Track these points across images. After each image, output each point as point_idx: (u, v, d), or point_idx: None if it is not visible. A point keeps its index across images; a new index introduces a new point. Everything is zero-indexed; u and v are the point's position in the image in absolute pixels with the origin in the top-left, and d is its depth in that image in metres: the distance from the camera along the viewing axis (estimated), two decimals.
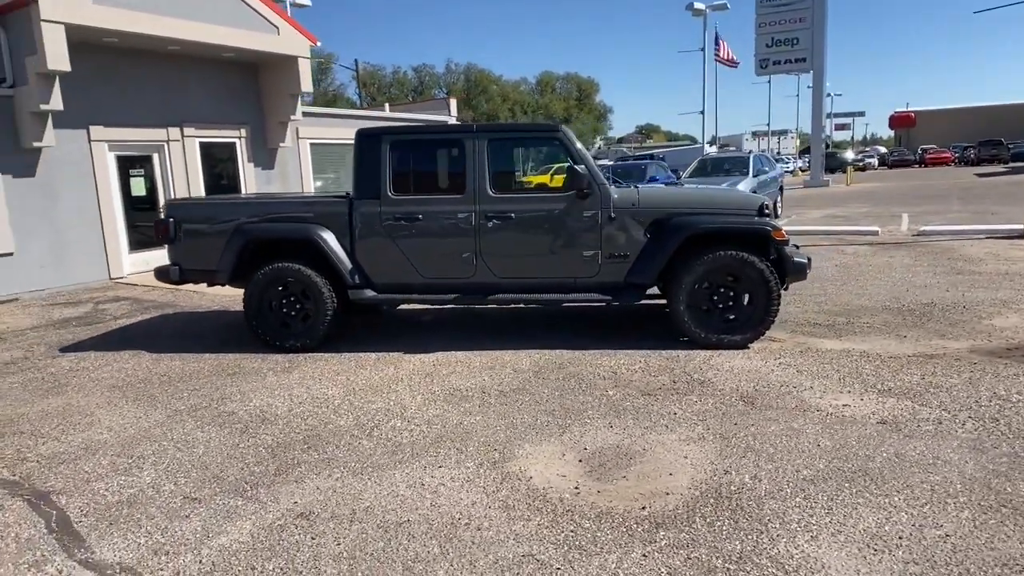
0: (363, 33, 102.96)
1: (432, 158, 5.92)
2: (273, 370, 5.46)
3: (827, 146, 58.43)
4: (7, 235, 9.36)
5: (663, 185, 16.44)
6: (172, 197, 11.14)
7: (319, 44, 12.97)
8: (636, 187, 6.03)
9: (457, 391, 4.75)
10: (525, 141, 6.17)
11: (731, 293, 5.52)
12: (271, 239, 5.93)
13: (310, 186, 13.93)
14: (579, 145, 5.69)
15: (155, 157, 11.30)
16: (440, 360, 5.54)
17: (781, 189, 17.09)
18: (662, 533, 2.83)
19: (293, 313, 5.97)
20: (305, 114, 13.10)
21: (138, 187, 11.13)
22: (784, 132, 74.78)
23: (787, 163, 41.33)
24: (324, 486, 3.39)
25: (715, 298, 5.53)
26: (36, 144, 9.38)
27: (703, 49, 31.08)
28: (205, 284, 6.40)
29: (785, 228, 5.62)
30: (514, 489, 3.28)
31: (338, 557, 2.76)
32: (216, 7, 10.76)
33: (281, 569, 2.70)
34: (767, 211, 5.60)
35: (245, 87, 12.49)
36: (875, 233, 12.21)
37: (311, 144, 13.94)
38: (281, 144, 12.90)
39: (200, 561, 2.78)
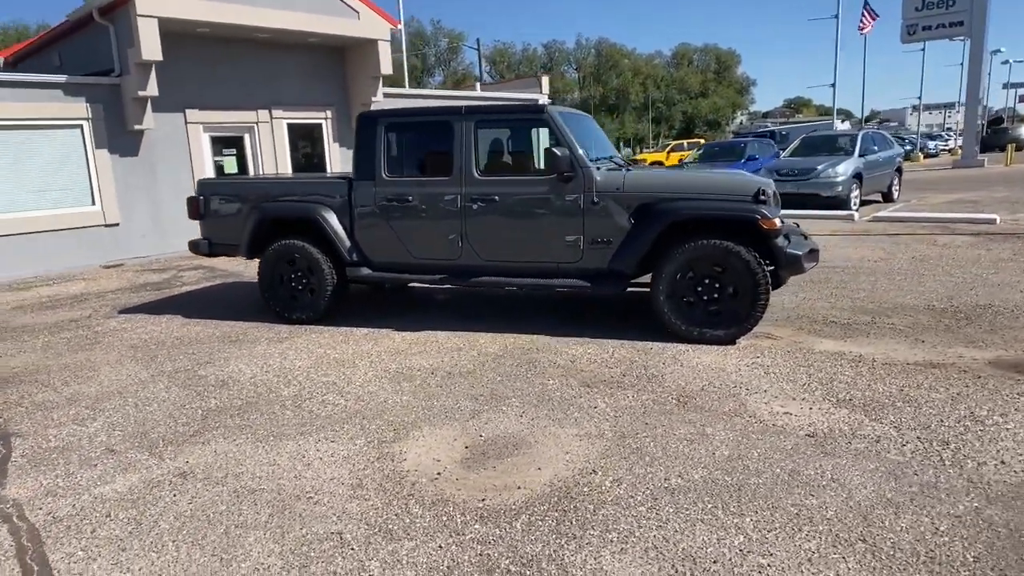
0: (496, 11, 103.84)
1: (424, 140, 6.01)
2: (270, 339, 5.86)
3: (1000, 120, 51.67)
4: (114, 208, 10.62)
5: (759, 166, 15.49)
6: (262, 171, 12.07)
7: (400, 27, 13.41)
8: (628, 169, 5.74)
9: (409, 370, 4.87)
10: (512, 122, 6.07)
11: (716, 285, 5.17)
12: (280, 217, 6.32)
13: None
14: (566, 127, 5.53)
15: (246, 138, 12.27)
16: (419, 339, 5.68)
17: (899, 171, 15.44)
18: (476, 527, 2.80)
19: (300, 287, 6.34)
20: (386, 95, 13.60)
21: (230, 165, 12.16)
22: (950, 105, 66.84)
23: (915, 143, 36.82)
24: (221, 450, 3.66)
25: (699, 289, 5.21)
26: (138, 127, 10.53)
27: (836, 16, 28.43)
28: (232, 257, 6.94)
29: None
30: (379, 469, 3.36)
31: (180, 515, 2.99)
32: None
33: (130, 519, 2.98)
34: (765, 197, 5.16)
35: (330, 70, 13.18)
36: (992, 222, 10.76)
37: None
38: None
39: (73, 505, 3.12)
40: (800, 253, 5.03)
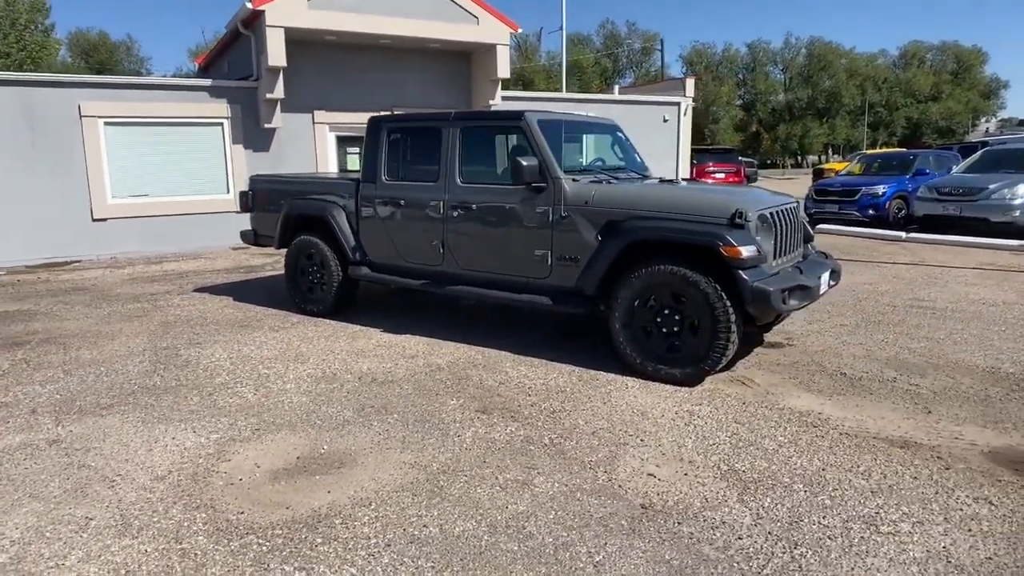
0: (699, 9, 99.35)
1: (418, 146, 5.98)
2: (271, 328, 6.25)
3: None
4: None
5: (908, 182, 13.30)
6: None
7: (520, 31, 13.45)
8: (604, 181, 5.23)
9: (344, 373, 4.92)
10: (493, 129, 5.79)
11: (676, 317, 4.57)
12: (302, 214, 6.70)
13: None
14: (541, 135, 5.20)
15: None
16: (390, 342, 5.71)
17: None
18: (200, 539, 2.77)
19: (315, 281, 6.68)
20: (505, 98, 13.74)
21: (353, 162, 13.08)
22: None
23: None
24: (106, 425, 3.99)
25: (658, 320, 4.64)
26: (268, 125, 11.74)
27: None
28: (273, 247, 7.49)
29: None
30: (198, 466, 3.45)
31: (10, 478, 3.33)
32: (420, 3, 11.95)
33: None
34: (743, 221, 4.44)
35: (452, 74, 13.62)
36: None
37: None
38: None
39: None
40: (770, 288, 4.25)
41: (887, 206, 13.26)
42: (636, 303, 4.68)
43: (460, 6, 12.36)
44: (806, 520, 2.87)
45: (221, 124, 11.68)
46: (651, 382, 4.60)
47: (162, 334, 6.08)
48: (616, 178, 5.44)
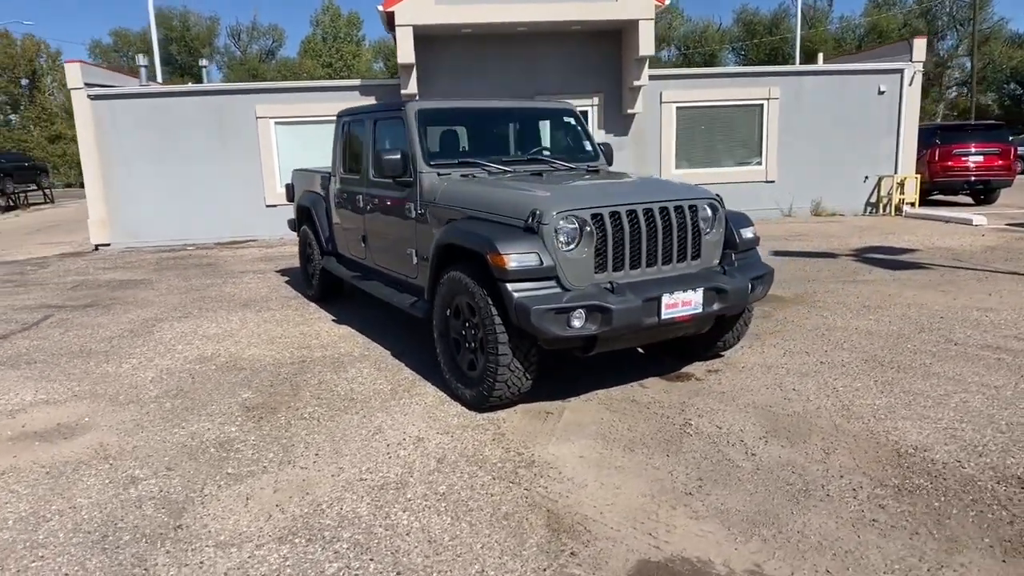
0: None
1: (357, 139, 5.96)
2: (271, 308, 6.88)
3: None
4: None
5: None
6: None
7: (666, 3, 12.24)
8: (468, 177, 4.65)
9: (247, 360, 5.29)
10: (392, 121, 5.37)
11: (473, 331, 4.00)
12: (300, 206, 7.20)
13: (670, 152, 13.50)
14: (414, 128, 4.88)
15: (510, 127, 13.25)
16: (332, 332, 5.87)
17: None
18: None
19: (310, 269, 7.16)
20: (652, 77, 12.70)
21: None
22: None
23: None
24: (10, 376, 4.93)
25: (463, 333, 4.11)
26: None
27: None
28: None
29: None
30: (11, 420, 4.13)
31: None
32: None
33: None
34: (537, 221, 3.69)
35: (596, 55, 13.00)
36: None
37: (677, 108, 13.39)
38: (630, 110, 12.96)
39: None
40: (530, 307, 3.48)
41: None
42: (448, 312, 4.21)
43: None
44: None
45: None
46: (454, 401, 4.13)
47: (190, 308, 7.13)
48: (507, 171, 4.86)
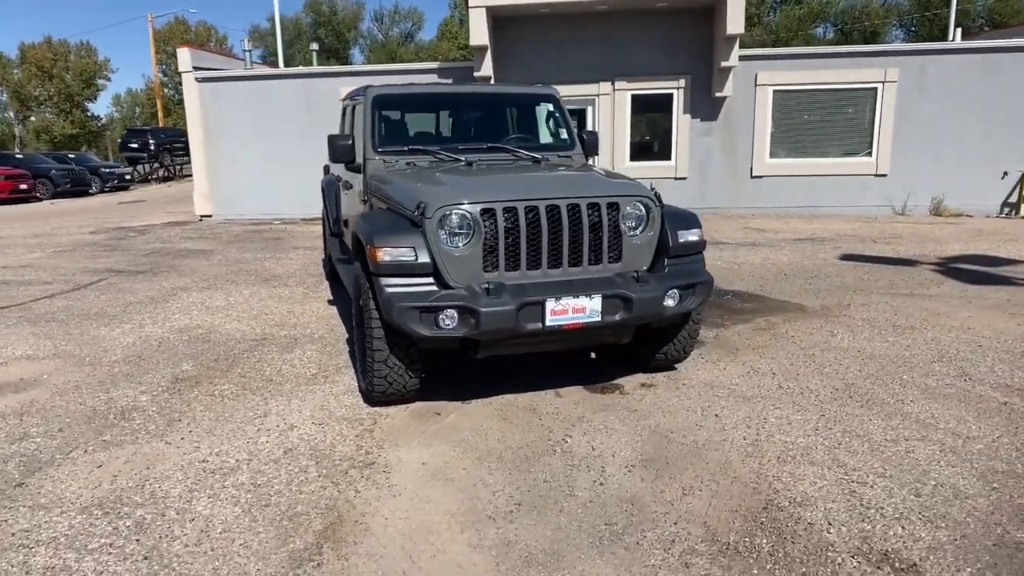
0: None
1: (349, 123, 5.99)
2: (286, 285, 7.23)
3: None
4: None
5: None
6: None
7: None
8: (410, 165, 4.48)
9: (220, 333, 5.59)
10: (357, 104, 5.21)
11: None
12: (321, 188, 7.40)
13: (764, 139, 12.42)
14: (368, 113, 4.83)
15: (588, 110, 12.83)
16: (314, 312, 6.08)
17: None
18: None
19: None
20: (742, 57, 11.70)
21: None
22: None
23: None
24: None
25: None
26: None
27: None
28: None
29: None
30: None
31: None
32: None
33: None
34: (421, 214, 3.52)
35: (682, 34, 12.18)
36: None
37: (774, 91, 12.26)
38: (719, 93, 12.06)
39: None
40: (394, 303, 3.32)
41: None
42: (359, 303, 4.16)
43: None
44: None
45: None
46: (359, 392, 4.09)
47: (214, 276, 7.63)
48: (460, 160, 4.68)
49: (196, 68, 12.90)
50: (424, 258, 3.49)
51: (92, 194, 23.45)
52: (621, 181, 4.09)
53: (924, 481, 2.94)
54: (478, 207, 3.55)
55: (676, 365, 4.46)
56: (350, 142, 4.74)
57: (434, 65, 13.23)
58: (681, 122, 12.58)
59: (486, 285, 3.49)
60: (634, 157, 12.92)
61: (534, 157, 4.86)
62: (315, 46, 22.31)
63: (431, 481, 3.04)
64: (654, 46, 12.33)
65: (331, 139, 4.85)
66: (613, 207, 3.76)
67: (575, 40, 12.42)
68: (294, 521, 2.73)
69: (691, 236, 3.98)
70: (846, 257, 8.16)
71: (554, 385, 4.18)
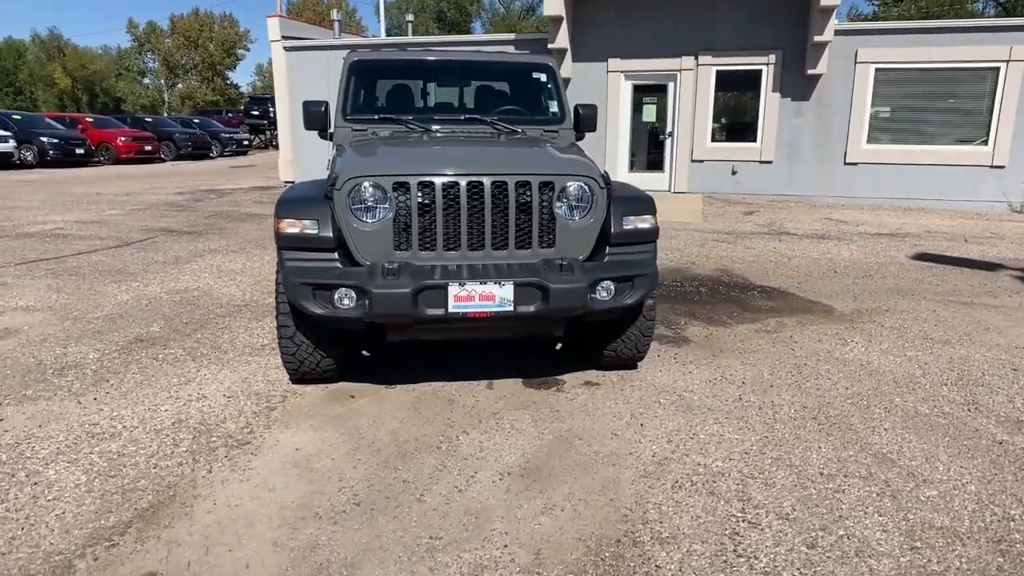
0: None
1: None
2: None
3: None
4: None
5: None
6: (670, 129, 11.94)
7: None
8: (371, 136, 4.25)
9: (212, 297, 5.73)
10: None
11: None
12: None
13: (862, 123, 11.16)
14: (346, 79, 4.71)
15: (669, 86, 12.04)
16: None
17: None
18: None
19: None
20: (838, 32, 10.49)
21: (649, 113, 12.31)
22: None
23: None
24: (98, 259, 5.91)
25: None
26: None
27: None
28: None
29: None
30: None
31: None
32: None
33: None
34: (331, 186, 3.33)
35: (775, 7, 11.10)
36: None
37: (876, 70, 10.95)
38: (812, 71, 10.92)
39: None
40: (290, 279, 3.16)
41: None
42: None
43: None
44: None
45: None
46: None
47: (250, 240, 7.85)
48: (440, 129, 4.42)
49: (284, 37, 13.34)
50: (327, 232, 3.29)
51: (212, 157, 25.18)
52: (566, 158, 3.69)
53: (831, 530, 2.42)
54: (390, 180, 3.31)
55: (638, 364, 4.03)
56: (323, 108, 4.60)
57: (510, 36, 12.93)
58: (769, 101, 11.55)
59: (390, 265, 3.25)
60: (715, 137, 12.06)
61: (512, 130, 4.52)
62: (410, 17, 22.55)
63: (290, 469, 2.88)
64: (742, 19, 11.36)
65: (305, 104, 4.73)
66: (547, 187, 3.39)
67: (655, 11, 11.68)
68: (126, 496, 2.65)
69: (640, 223, 3.54)
70: (919, 256, 7.16)
71: (494, 375, 3.89)
